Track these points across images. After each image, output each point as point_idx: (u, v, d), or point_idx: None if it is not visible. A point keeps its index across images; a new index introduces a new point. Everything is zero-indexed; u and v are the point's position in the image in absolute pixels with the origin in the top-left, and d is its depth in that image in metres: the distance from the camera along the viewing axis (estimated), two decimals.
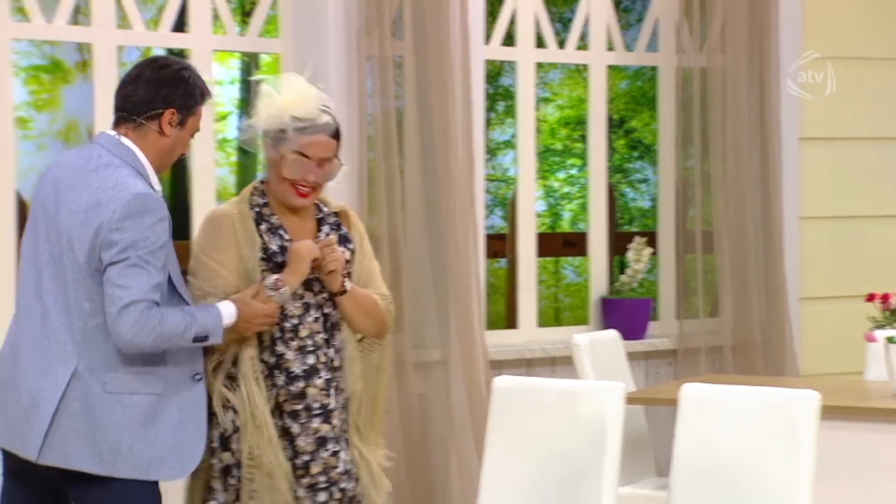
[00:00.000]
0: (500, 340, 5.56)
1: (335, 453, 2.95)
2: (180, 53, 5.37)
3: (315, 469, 2.94)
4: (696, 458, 3.85)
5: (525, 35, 5.77)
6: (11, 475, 3.20)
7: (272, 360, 2.94)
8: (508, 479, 3.69)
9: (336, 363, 3.00)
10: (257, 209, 2.98)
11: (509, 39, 5.75)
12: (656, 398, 4.83)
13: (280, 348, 2.93)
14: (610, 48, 6.02)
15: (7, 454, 3.15)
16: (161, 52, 4.89)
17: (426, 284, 5.45)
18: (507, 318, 7.03)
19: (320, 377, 2.94)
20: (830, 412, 3.99)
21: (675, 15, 5.97)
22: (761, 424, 3.81)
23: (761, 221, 6.08)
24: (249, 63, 7.53)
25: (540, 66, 6.18)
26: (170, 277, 2.92)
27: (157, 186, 3.08)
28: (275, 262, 2.92)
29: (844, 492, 4.35)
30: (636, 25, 6.37)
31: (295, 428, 2.92)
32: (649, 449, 5.11)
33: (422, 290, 5.29)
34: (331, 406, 2.94)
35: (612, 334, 5.34)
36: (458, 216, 5.30)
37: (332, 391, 2.96)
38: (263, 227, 2.96)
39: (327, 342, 2.99)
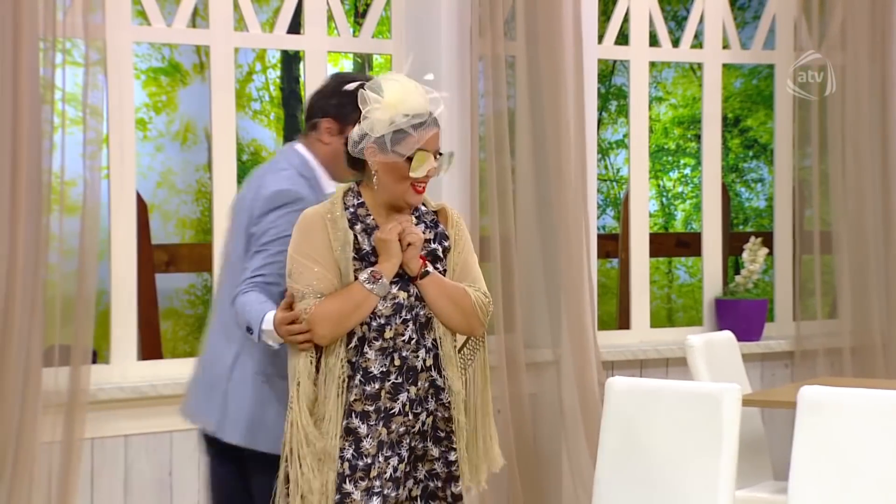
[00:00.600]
0: (612, 341, 5.54)
1: (387, 458, 2.93)
2: (295, 55, 5.46)
3: (374, 472, 2.92)
4: (816, 461, 3.82)
5: (639, 34, 5.78)
6: (207, 452, 3.60)
7: (357, 359, 2.95)
8: (622, 481, 3.69)
9: (429, 363, 2.96)
10: (352, 209, 2.96)
11: (622, 38, 5.74)
12: (773, 401, 4.82)
13: (364, 348, 2.92)
14: (725, 46, 6.01)
15: (204, 433, 3.55)
16: (276, 54, 4.96)
17: (538, 284, 5.45)
18: (619, 318, 7.02)
19: (389, 381, 2.92)
20: None
21: (794, 12, 5.95)
22: (883, 428, 3.75)
23: (882, 221, 6.04)
24: (363, 63, 7.64)
25: (653, 65, 6.21)
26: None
27: (328, 189, 3.33)
28: (369, 261, 2.91)
29: None
30: (752, 23, 6.32)
31: (363, 429, 2.91)
32: (766, 452, 5.09)
33: (533, 290, 5.30)
34: (393, 410, 2.92)
35: (727, 335, 5.31)
36: (570, 216, 5.29)
37: (403, 395, 2.94)
38: (358, 227, 2.95)
39: (418, 343, 2.95)
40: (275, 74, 8.34)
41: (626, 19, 5.85)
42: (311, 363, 2.95)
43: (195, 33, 5.30)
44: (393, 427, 2.90)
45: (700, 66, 6.32)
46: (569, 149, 5.28)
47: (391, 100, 2.89)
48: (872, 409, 3.73)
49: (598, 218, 6.39)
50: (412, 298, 2.89)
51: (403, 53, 5.22)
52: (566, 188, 5.33)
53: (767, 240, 6.21)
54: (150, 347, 6.22)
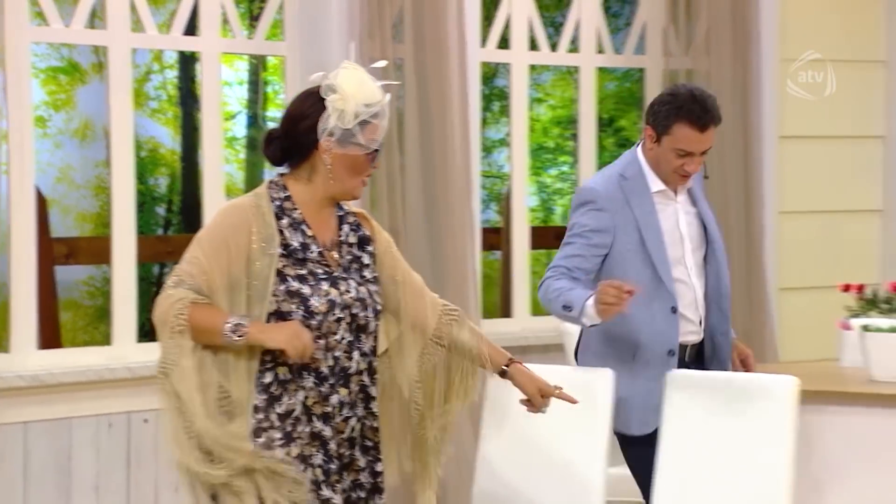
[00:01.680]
0: (495, 328, 5.59)
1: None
2: (191, 55, 5.44)
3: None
4: (684, 438, 3.93)
5: (519, 38, 5.80)
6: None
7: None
8: (504, 460, 3.77)
9: (362, 367, 2.72)
10: (278, 203, 2.69)
11: (504, 43, 5.79)
12: None
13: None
14: (599, 51, 6.05)
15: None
16: (172, 54, 4.92)
17: (426, 275, 5.48)
18: (501, 307, 7.11)
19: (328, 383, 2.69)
20: (810, 396, 4.08)
21: (662, 20, 6.01)
22: (744, 408, 3.91)
23: (744, 217, 6.13)
24: (256, 65, 7.63)
25: (533, 68, 6.24)
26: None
27: (652, 188, 3.71)
28: (295, 258, 2.64)
29: (824, 473, 4.42)
30: (624, 29, 6.39)
31: (327, 431, 2.68)
32: None
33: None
34: (327, 411, 2.68)
35: None
36: (456, 211, 5.35)
37: (334, 397, 2.70)
38: (284, 221, 2.67)
39: (351, 345, 2.69)
40: (172, 74, 8.30)
41: (507, 25, 5.88)
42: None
43: (93, 34, 5.21)
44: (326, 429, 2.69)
45: (576, 69, 6.38)
46: (454, 147, 5.35)
47: (350, 90, 2.69)
48: (733, 390, 3.98)
49: (482, 212, 6.46)
50: (347, 297, 2.65)
51: (296, 56, 5.24)
52: (452, 185, 5.38)
53: None
54: (50, 337, 6.15)
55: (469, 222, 5.18)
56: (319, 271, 2.63)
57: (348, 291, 2.64)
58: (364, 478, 2.73)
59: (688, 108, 3.70)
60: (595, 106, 6.14)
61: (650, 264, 3.76)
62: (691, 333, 3.86)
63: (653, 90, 6.11)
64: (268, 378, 2.64)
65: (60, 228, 7.60)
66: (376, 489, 2.74)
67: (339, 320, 2.62)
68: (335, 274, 2.65)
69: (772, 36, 6.32)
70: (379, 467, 2.73)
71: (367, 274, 2.72)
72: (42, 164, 7.14)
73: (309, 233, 2.66)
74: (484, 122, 6.97)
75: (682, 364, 3.87)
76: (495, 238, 7.38)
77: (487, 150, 8.24)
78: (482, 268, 6.24)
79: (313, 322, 2.58)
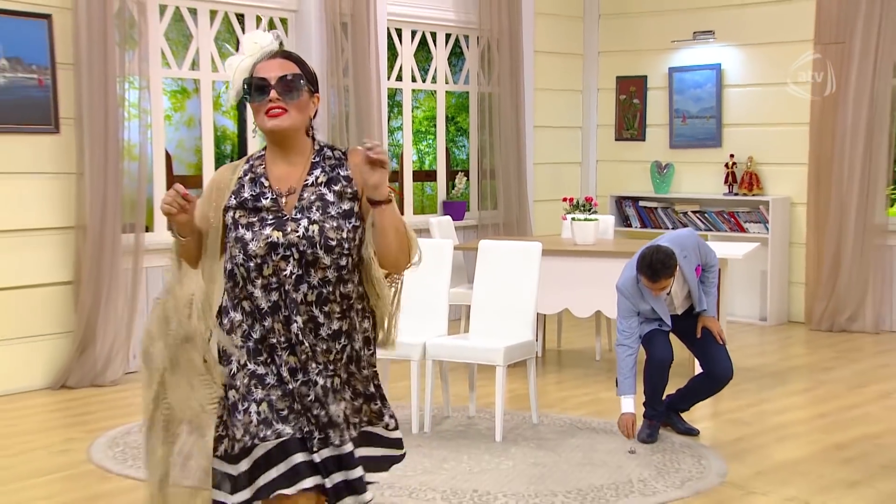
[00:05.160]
0: None
1: (305, 383, 1.93)
2: None
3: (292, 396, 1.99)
4: (486, 274, 3.75)
5: (406, 75, 5.91)
6: None
7: (243, 301, 1.96)
8: None
9: (310, 298, 1.92)
10: (251, 162, 2.03)
11: (399, 77, 5.84)
12: (469, 247, 4.85)
13: (249, 287, 1.94)
14: (446, 82, 6.13)
15: None
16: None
17: None
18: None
19: (282, 314, 1.93)
20: (548, 252, 4.01)
21: (476, 67, 6.16)
22: (514, 260, 3.80)
23: (517, 165, 6.27)
24: None
25: (413, 91, 6.26)
26: None
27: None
28: (246, 207, 1.96)
29: (547, 287, 4.27)
30: (459, 72, 6.33)
31: (281, 354, 1.93)
32: (464, 271, 4.96)
33: None
34: (295, 341, 1.92)
35: (447, 218, 5.23)
36: None
37: (295, 326, 1.92)
38: (247, 177, 1.99)
39: (300, 279, 1.91)
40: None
41: (400, 69, 5.66)
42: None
43: (193, 73, 4.90)
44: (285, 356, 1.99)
45: (435, 91, 6.00)
46: (373, 133, 5.09)
47: (230, 72, 1.94)
48: (510, 250, 3.92)
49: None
50: (293, 236, 1.93)
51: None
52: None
53: (466, 173, 6.23)
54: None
55: None
56: (269, 217, 1.93)
57: (296, 231, 1.91)
58: (317, 394, 1.94)
59: (642, 271, 3.50)
60: (444, 110, 6.27)
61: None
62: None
63: (473, 103, 6.29)
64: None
65: (179, 169, 7.73)
66: (325, 400, 1.95)
67: (285, 258, 1.91)
68: (285, 217, 1.93)
69: (530, 70, 6.35)
70: (331, 383, 1.94)
71: (332, 210, 1.95)
72: (169, 139, 7.05)
73: (266, 184, 1.97)
74: (389, 118, 6.71)
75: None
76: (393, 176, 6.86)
77: (391, 132, 8.09)
78: None
79: (251, 263, 1.92)
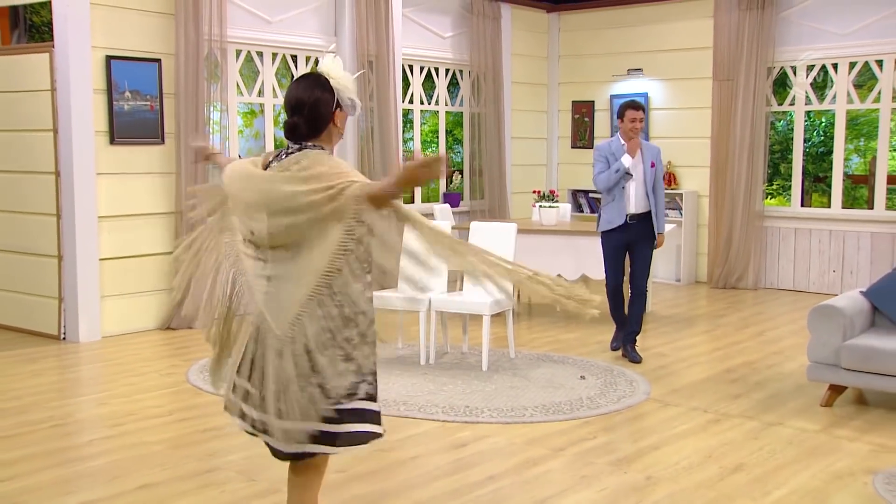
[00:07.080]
0: None
1: None
2: None
3: None
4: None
5: (416, 99, 5.85)
6: None
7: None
8: None
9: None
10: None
11: (410, 100, 5.75)
12: (464, 227, 4.59)
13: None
14: (447, 104, 6.11)
15: None
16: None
17: None
18: None
19: None
20: (523, 231, 4.04)
21: (468, 91, 6.13)
22: (497, 237, 3.66)
23: (499, 166, 6.17)
24: None
25: (421, 111, 6.17)
26: None
27: (623, 142, 3.28)
28: None
29: (529, 260, 4.24)
30: (456, 97, 6.29)
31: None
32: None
33: None
34: None
35: (447, 206, 5.14)
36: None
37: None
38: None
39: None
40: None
41: (412, 94, 5.56)
42: None
43: (258, 98, 4.94)
44: None
45: (437, 111, 5.86)
46: (392, 139, 4.99)
47: (340, 73, 1.80)
48: (494, 229, 3.81)
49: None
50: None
51: None
52: (391, 150, 4.98)
53: (461, 172, 6.02)
54: None
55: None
56: None
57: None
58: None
59: (627, 104, 3.62)
60: (444, 126, 6.28)
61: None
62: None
63: (466, 120, 6.16)
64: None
65: None
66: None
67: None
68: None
69: (508, 96, 6.09)
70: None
71: None
72: (241, 148, 6.70)
73: None
74: (403, 131, 6.27)
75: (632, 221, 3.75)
76: None
77: (405, 142, 7.28)
78: None
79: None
